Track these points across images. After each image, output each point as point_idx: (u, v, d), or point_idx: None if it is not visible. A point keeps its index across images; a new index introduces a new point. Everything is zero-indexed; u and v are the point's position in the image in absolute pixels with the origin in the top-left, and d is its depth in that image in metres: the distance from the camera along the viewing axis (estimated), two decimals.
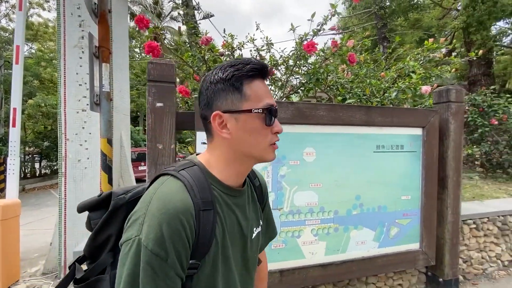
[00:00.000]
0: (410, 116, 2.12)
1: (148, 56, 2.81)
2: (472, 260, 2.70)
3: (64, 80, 3.25)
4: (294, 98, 3.11)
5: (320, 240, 1.90)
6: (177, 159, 1.72)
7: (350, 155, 1.97)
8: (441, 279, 2.27)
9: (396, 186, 2.11)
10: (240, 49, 2.87)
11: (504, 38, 11.95)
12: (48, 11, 13.48)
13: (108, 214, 0.65)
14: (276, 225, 0.94)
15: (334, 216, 1.93)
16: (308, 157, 1.88)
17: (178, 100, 2.47)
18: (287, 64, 2.57)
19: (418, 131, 2.16)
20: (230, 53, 2.72)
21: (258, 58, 3.05)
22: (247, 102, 0.63)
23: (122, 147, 3.70)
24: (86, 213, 0.70)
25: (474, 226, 2.71)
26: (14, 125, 3.45)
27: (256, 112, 0.63)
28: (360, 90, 2.97)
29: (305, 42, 2.22)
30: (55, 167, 11.76)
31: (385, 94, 2.66)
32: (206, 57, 2.28)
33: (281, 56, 2.85)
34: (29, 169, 11.86)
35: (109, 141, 2.07)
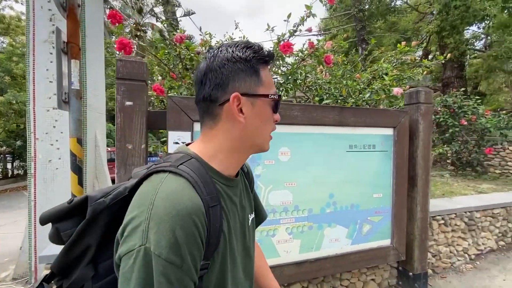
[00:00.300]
0: (382, 116, 2.18)
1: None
2: (440, 255, 2.83)
3: (33, 77, 3.10)
4: None
5: (294, 239, 1.93)
6: (157, 158, 1.68)
7: (324, 155, 2.01)
8: (411, 273, 2.37)
9: (368, 184, 2.18)
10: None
11: (477, 42, 12.61)
12: (21, 3, 12.81)
13: (86, 223, 0.56)
14: None
15: (308, 215, 1.97)
16: (283, 156, 1.90)
17: (153, 98, 2.42)
18: None
19: (389, 131, 2.24)
20: (206, 51, 2.70)
21: None
22: (263, 87, 0.60)
23: (97, 146, 3.58)
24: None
25: (442, 222, 2.84)
26: None
27: (271, 98, 0.61)
28: (337, 91, 3.03)
29: (282, 43, 2.23)
30: None
31: (360, 95, 2.73)
32: (182, 56, 2.25)
33: None
34: (0, 169, 11.22)
35: (79, 141, 2.00)
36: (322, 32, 11.34)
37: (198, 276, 0.52)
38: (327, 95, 2.94)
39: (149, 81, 1.75)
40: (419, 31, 9.84)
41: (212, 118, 0.61)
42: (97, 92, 3.64)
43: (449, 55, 3.07)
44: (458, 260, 2.92)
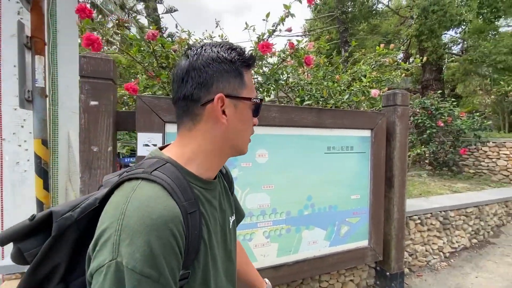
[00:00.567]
0: (360, 118, 2.19)
1: (109, 49, 2.60)
2: (417, 253, 2.89)
3: (0, 74, 2.90)
4: None
5: (272, 242, 1.90)
6: (134, 159, 1.59)
7: (302, 156, 1.99)
8: (388, 273, 2.40)
9: (346, 186, 2.18)
10: None
11: (454, 46, 13.14)
12: None
13: (51, 240, 0.51)
14: None
15: (286, 217, 1.94)
16: (260, 158, 1.86)
17: (125, 98, 2.32)
18: None
19: (367, 133, 2.25)
20: (185, 50, 2.62)
21: None
22: (246, 90, 0.59)
23: (70, 147, 3.40)
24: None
25: (419, 221, 2.90)
26: None
27: (253, 102, 0.60)
28: (318, 92, 3.04)
29: (261, 43, 2.19)
30: None
31: (339, 97, 2.75)
32: (157, 53, 2.17)
33: None
34: None
35: (44, 142, 1.88)
36: (307, 33, 11.44)
37: (178, 287, 0.49)
38: (308, 96, 2.94)
39: (123, 79, 1.67)
40: (400, 34, 10.13)
41: (192, 118, 0.59)
42: (70, 90, 3.46)
43: (425, 58, 3.14)
44: (434, 258, 3.00)
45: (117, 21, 2.30)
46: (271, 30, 2.23)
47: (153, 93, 2.08)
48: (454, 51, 12.96)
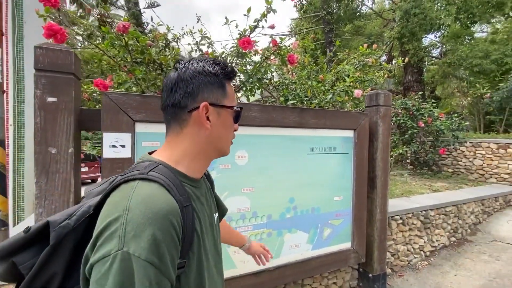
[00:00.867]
0: (342, 118, 2.15)
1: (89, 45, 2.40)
2: (399, 253, 2.90)
3: None
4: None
5: None
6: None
7: (284, 158, 1.92)
8: (370, 275, 2.38)
9: (329, 187, 2.13)
10: (176, 42, 2.65)
11: (434, 50, 13.59)
12: None
13: (50, 249, 0.53)
14: None
15: (267, 221, 1.86)
16: (240, 160, 1.77)
17: (96, 94, 2.17)
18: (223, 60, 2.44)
19: (350, 133, 2.22)
20: (164, 45, 2.49)
21: (198, 53, 2.87)
22: (227, 99, 0.68)
23: None
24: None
25: (401, 221, 2.91)
26: None
27: (234, 109, 0.69)
28: (303, 91, 2.98)
29: (242, 38, 2.10)
30: None
31: (323, 96, 2.70)
32: (131, 48, 2.03)
33: (223, 52, 2.71)
34: None
35: (1, 143, 1.69)
36: (293, 33, 11.46)
37: (176, 275, 0.53)
38: (293, 95, 2.88)
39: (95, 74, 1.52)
40: (383, 36, 10.35)
41: (179, 123, 0.65)
42: None
43: (406, 59, 3.16)
44: (415, 257, 3.02)
45: (98, 16, 2.15)
46: (252, 26, 2.14)
47: (126, 90, 1.94)
48: (433, 55, 13.41)
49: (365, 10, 10.37)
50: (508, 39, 9.52)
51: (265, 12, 2.09)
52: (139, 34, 2.00)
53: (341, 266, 2.27)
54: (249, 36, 2.19)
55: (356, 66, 2.89)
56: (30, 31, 3.00)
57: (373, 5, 11.18)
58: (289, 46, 2.91)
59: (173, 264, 0.51)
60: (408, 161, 6.00)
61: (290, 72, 3.64)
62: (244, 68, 2.66)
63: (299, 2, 10.39)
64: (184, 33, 2.56)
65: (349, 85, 2.71)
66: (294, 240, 1.98)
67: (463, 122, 5.48)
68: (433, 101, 5.75)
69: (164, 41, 2.43)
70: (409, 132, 5.15)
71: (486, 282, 2.61)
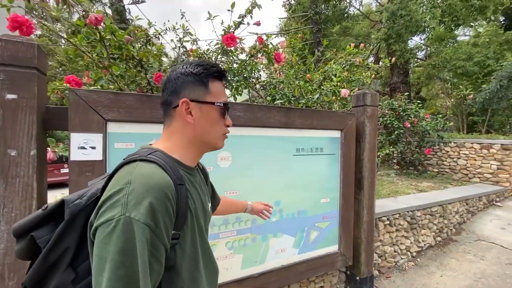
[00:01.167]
0: (329, 118, 2.10)
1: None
2: (386, 254, 2.89)
3: None
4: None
5: (236, 254, 1.73)
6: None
7: (269, 159, 1.85)
8: (358, 277, 2.34)
9: (316, 189, 2.08)
10: (158, 38, 2.53)
11: (419, 52, 13.89)
12: None
13: (65, 224, 0.61)
14: None
15: (251, 226, 1.78)
16: (223, 162, 1.69)
17: (68, 92, 2.03)
18: (208, 58, 2.35)
19: (336, 134, 2.17)
20: (145, 41, 2.38)
21: (182, 50, 2.76)
22: (210, 96, 0.74)
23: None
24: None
25: (388, 222, 2.90)
26: None
27: (217, 105, 0.75)
28: (290, 91, 2.93)
29: (226, 35, 2.02)
30: None
31: (310, 96, 2.65)
32: (108, 43, 1.91)
33: (208, 49, 2.62)
34: None
35: None
36: (282, 33, 11.45)
37: (170, 245, 0.61)
38: (280, 95, 2.81)
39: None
40: (370, 38, 10.49)
41: (169, 118, 0.75)
42: None
43: (393, 59, 3.16)
44: (402, 258, 3.02)
45: (83, 12, 2.02)
46: (237, 22, 2.06)
47: (101, 87, 1.82)
48: (418, 57, 13.70)
49: (353, 11, 10.47)
50: (489, 42, 9.83)
51: (250, 8, 2.01)
52: (116, 28, 1.88)
53: (328, 270, 2.21)
54: (233, 32, 2.11)
55: (344, 65, 2.85)
56: None
57: (361, 6, 11.33)
58: (276, 45, 2.85)
59: (167, 232, 0.58)
60: (394, 161, 6.07)
61: (277, 72, 3.58)
62: (230, 66, 2.57)
63: (287, 2, 10.39)
64: (167, 29, 2.45)
65: (336, 85, 2.67)
66: (280, 245, 1.91)
67: (447, 122, 5.58)
68: (418, 102, 5.83)
69: (145, 37, 2.31)
70: (396, 132, 5.20)
71: (471, 282, 2.62)
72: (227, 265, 1.70)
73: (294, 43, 2.87)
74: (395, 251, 2.98)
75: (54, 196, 2.72)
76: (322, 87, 2.67)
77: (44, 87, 1.32)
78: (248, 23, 2.28)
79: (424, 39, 11.36)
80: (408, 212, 3.10)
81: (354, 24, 11.32)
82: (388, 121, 5.27)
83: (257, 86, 3.44)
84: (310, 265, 2.05)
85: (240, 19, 2.06)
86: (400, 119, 5.28)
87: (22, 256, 0.62)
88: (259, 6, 2.01)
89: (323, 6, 9.47)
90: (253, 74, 2.97)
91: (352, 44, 2.86)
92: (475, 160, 5.13)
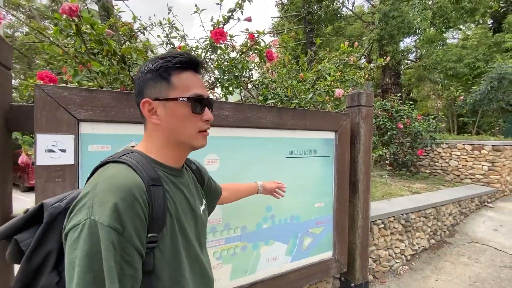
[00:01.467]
0: (323, 119, 2.01)
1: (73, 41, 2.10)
2: (380, 259, 2.82)
3: None
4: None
5: (224, 264, 1.61)
6: None
7: (261, 162, 1.74)
8: (352, 284, 2.25)
9: (309, 193, 1.98)
10: (143, 33, 2.40)
11: (409, 54, 14.05)
12: None
13: (44, 227, 0.60)
14: None
15: (241, 233, 1.67)
16: (210, 165, 1.57)
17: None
18: (197, 56, 2.22)
19: (331, 135, 2.08)
20: (129, 36, 2.24)
21: (169, 47, 2.63)
22: (174, 91, 0.68)
23: None
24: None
25: (382, 226, 2.83)
26: None
27: (182, 101, 0.68)
28: (283, 90, 2.83)
29: (214, 30, 1.90)
30: None
31: (303, 96, 2.56)
32: (88, 37, 1.77)
33: (197, 46, 2.50)
34: None
35: None
36: (275, 32, 11.38)
37: (147, 248, 0.59)
38: (272, 94, 2.71)
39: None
40: (363, 38, 10.53)
41: (144, 121, 0.73)
42: None
43: (388, 58, 3.10)
44: (396, 262, 2.95)
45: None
46: (226, 17, 1.95)
47: (78, 85, 1.68)
48: (409, 59, 13.85)
49: (346, 11, 10.50)
50: (477, 45, 9.99)
51: (240, 2, 1.90)
52: (95, 21, 1.74)
53: (322, 277, 2.12)
54: (223, 27, 2.00)
55: (338, 64, 2.77)
56: None
57: (353, 7, 11.37)
58: (269, 43, 2.75)
59: (138, 235, 0.56)
60: (387, 162, 6.05)
61: (270, 71, 3.48)
62: (220, 64, 2.46)
63: (280, 1, 10.32)
64: (152, 24, 2.32)
65: (330, 85, 2.59)
66: (271, 253, 1.80)
67: (439, 124, 5.58)
68: (410, 102, 5.83)
69: (129, 32, 2.18)
70: (389, 133, 5.17)
71: (467, 286, 2.57)
72: (215, 276, 1.56)
73: (287, 41, 2.77)
74: (389, 255, 2.91)
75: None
76: (315, 86, 2.58)
77: (8, 82, 1.18)
78: (238, 19, 2.18)
79: (415, 41, 11.47)
80: (402, 215, 3.04)
81: (346, 25, 11.35)
82: (381, 122, 5.24)
83: (249, 85, 3.34)
84: (303, 273, 1.95)
85: (229, 14, 1.95)
86: (393, 120, 5.25)
87: (11, 259, 0.62)
88: (250, 0, 1.91)
89: (316, 6, 9.45)
90: (244, 73, 2.86)
91: (346, 43, 2.78)
92: (467, 161, 5.14)
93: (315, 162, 2.00)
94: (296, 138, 1.89)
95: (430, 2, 8.02)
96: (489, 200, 4.60)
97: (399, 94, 6.21)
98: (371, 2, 11.73)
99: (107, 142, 1.28)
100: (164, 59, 0.68)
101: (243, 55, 2.33)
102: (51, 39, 1.77)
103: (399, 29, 6.71)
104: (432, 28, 9.58)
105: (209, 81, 2.63)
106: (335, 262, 2.13)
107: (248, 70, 2.95)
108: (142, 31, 2.26)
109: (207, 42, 2.21)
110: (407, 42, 12.62)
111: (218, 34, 1.81)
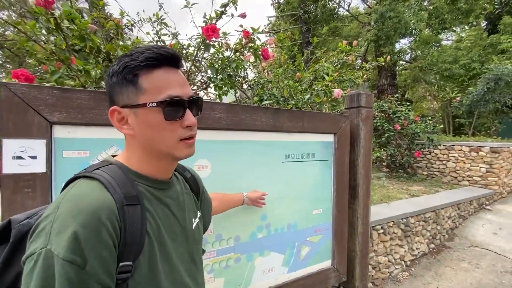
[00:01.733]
0: (321, 121, 1.90)
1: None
2: (380, 265, 2.72)
3: None
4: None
5: (216, 277, 1.50)
6: None
7: (255, 167, 1.63)
8: None
9: (307, 199, 1.87)
10: (132, 30, 2.28)
11: (404, 56, 14.08)
12: None
13: (11, 246, 0.54)
14: None
15: (234, 244, 1.55)
16: (201, 171, 1.45)
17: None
18: (187, 53, 2.11)
19: (329, 138, 1.98)
20: (115, 32, 2.11)
21: (159, 44, 2.51)
22: (143, 95, 0.58)
23: None
24: None
25: (382, 231, 2.74)
26: None
27: (152, 106, 0.57)
28: (279, 91, 2.73)
29: (205, 25, 1.78)
30: None
31: (300, 96, 2.46)
32: (72, 33, 1.64)
33: (189, 45, 2.38)
34: None
35: None
36: (271, 32, 11.30)
37: (117, 280, 0.51)
38: (268, 95, 2.60)
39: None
40: (358, 36, 10.50)
41: None
42: None
43: (388, 57, 3.02)
44: (396, 268, 2.86)
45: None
46: (218, 12, 1.84)
47: (56, 83, 1.55)
48: (405, 60, 13.87)
49: (342, 11, 10.46)
50: (471, 47, 10.01)
51: None
52: (77, 14, 1.62)
53: None
54: (215, 23, 1.88)
55: (336, 64, 2.68)
56: None
57: (349, 8, 11.33)
58: (264, 43, 2.65)
59: (105, 267, 0.48)
60: (384, 163, 5.98)
61: (265, 71, 3.37)
62: (213, 63, 2.34)
63: (276, 1, 10.24)
64: (141, 19, 2.20)
65: (328, 85, 2.49)
66: (267, 264, 1.69)
67: (437, 125, 5.54)
68: (408, 103, 5.78)
69: (115, 28, 2.05)
70: (386, 135, 5.10)
71: None
72: None
73: (283, 39, 2.67)
74: (389, 261, 2.82)
75: None
76: (313, 86, 2.47)
77: None
78: (232, 15, 2.06)
79: (410, 42, 11.48)
80: (402, 219, 2.95)
81: (343, 25, 11.32)
82: (378, 123, 5.17)
83: (244, 86, 3.23)
84: (301, 284, 1.84)
85: (222, 9, 1.84)
86: (390, 121, 5.18)
87: None
88: None
89: (312, 6, 9.38)
90: (238, 73, 2.75)
91: (345, 42, 2.69)
92: (464, 163, 5.09)
93: (313, 167, 1.89)
94: (293, 141, 1.78)
95: (426, 3, 8.01)
96: (487, 202, 4.56)
97: (397, 95, 6.15)
98: (367, 3, 11.72)
99: (85, 147, 1.15)
100: (130, 56, 0.58)
101: (237, 53, 2.22)
102: (28, 34, 1.63)
103: (396, 29, 6.67)
104: (428, 29, 9.59)
105: (201, 80, 2.51)
106: (334, 272, 2.03)
107: (243, 69, 2.84)
108: (130, 27, 2.13)
109: (198, 39, 2.10)
110: (402, 43, 12.66)
111: (210, 30, 1.70)
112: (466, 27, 12.17)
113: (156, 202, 0.62)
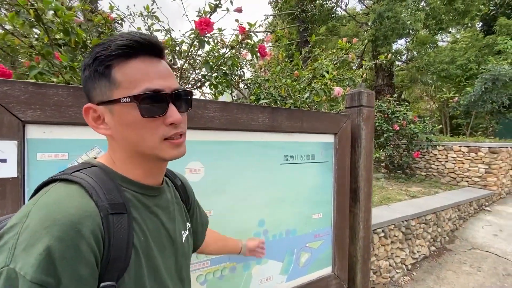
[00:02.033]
0: (321, 120, 1.81)
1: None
2: (381, 270, 2.64)
3: None
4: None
5: None
6: None
7: (252, 169, 1.53)
8: None
9: (307, 203, 1.77)
10: (121, 24, 2.16)
11: (401, 56, 14.11)
12: None
13: None
14: None
15: None
16: (193, 175, 1.35)
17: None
18: (180, 49, 2.00)
19: (330, 138, 1.88)
20: (104, 27, 2.00)
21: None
22: (117, 90, 0.51)
23: None
24: None
25: (383, 234, 2.65)
26: None
27: (126, 102, 0.50)
28: (276, 90, 2.63)
29: (199, 19, 1.68)
30: None
31: (299, 95, 2.36)
32: (57, 27, 1.53)
33: (183, 41, 2.27)
34: None
35: None
36: (268, 31, 11.23)
37: None
38: (265, 94, 2.51)
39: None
40: (356, 36, 10.49)
41: None
42: None
43: (389, 56, 2.95)
44: (397, 272, 2.78)
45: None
46: (213, 5, 1.74)
47: (35, 79, 1.43)
48: (402, 60, 13.90)
49: (340, 11, 10.42)
50: (466, 48, 10.04)
51: None
52: (59, 6, 1.50)
53: None
54: (209, 17, 1.78)
55: (335, 62, 2.59)
56: None
57: (346, 7, 11.32)
58: (261, 40, 2.55)
59: (82, 285, 0.40)
60: (382, 164, 5.92)
61: (263, 69, 3.28)
62: (207, 59, 2.24)
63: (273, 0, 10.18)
64: (131, 14, 2.09)
65: (327, 84, 2.40)
66: (264, 273, 1.58)
67: (436, 125, 5.49)
68: (406, 103, 5.73)
69: (103, 22, 1.94)
70: (385, 135, 5.04)
71: None
72: None
73: (281, 37, 2.58)
74: (390, 265, 2.74)
75: None
76: (312, 85, 2.38)
77: None
78: (227, 9, 1.96)
79: (407, 42, 11.49)
80: (403, 222, 2.87)
81: (341, 25, 11.30)
82: (377, 124, 5.10)
83: (241, 85, 3.13)
84: None
85: (217, 1, 1.73)
86: (389, 121, 5.12)
87: None
88: None
89: (310, 5, 9.32)
90: (234, 71, 2.65)
91: (344, 39, 2.61)
92: (463, 163, 5.05)
93: (312, 169, 1.80)
94: (292, 142, 1.68)
95: (423, 3, 7.99)
96: (486, 203, 4.51)
97: (395, 95, 6.10)
98: (364, 3, 11.71)
99: (63, 149, 1.04)
100: (102, 45, 0.50)
101: (233, 50, 2.12)
102: (8, 28, 1.51)
103: (393, 30, 6.63)
104: (424, 30, 9.58)
105: (195, 78, 2.41)
106: (335, 279, 1.93)
107: (239, 68, 2.75)
108: (119, 22, 2.02)
109: (193, 35, 1.99)
110: (399, 43, 12.68)
111: (203, 23, 1.60)
112: (461, 29, 12.22)
113: (144, 211, 0.56)
